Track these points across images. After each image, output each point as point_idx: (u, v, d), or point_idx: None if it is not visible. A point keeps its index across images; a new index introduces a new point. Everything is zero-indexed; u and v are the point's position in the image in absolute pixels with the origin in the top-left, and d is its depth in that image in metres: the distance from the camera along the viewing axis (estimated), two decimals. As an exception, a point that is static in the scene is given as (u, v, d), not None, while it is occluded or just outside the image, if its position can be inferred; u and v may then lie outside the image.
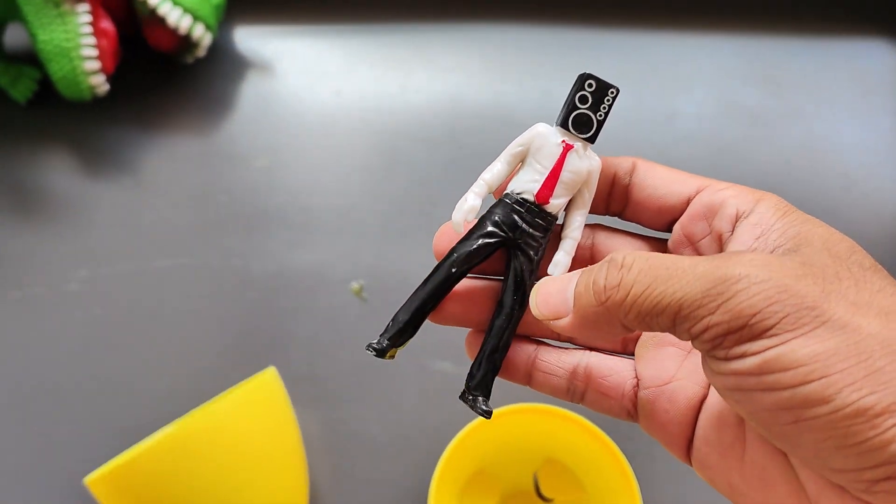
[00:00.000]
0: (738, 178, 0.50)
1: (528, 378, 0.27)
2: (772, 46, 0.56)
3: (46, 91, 0.53)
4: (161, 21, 0.49)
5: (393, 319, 0.26)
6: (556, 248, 0.26)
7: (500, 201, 0.26)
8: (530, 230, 0.25)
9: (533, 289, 0.24)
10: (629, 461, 0.38)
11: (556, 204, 0.25)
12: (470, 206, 0.25)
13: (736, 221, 0.24)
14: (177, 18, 0.49)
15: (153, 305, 0.47)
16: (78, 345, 0.46)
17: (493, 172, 0.26)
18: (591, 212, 0.26)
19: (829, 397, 0.18)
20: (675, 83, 0.55)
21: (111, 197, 0.51)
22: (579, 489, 0.41)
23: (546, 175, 0.25)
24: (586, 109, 0.25)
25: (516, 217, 0.25)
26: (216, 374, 0.45)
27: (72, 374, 0.45)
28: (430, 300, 0.26)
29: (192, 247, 0.49)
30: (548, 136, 0.25)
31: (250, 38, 0.56)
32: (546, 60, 0.55)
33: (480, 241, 0.25)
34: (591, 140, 0.25)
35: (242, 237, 0.49)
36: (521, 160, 0.26)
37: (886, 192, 0.52)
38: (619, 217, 0.27)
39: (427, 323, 0.44)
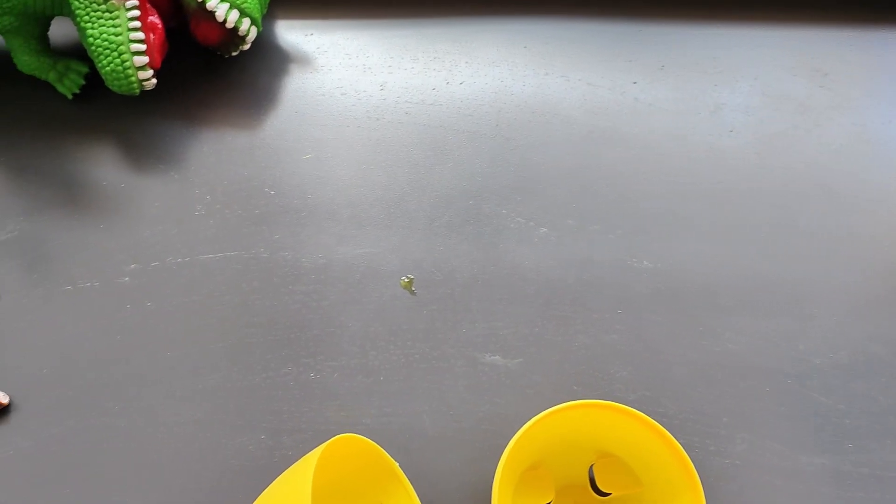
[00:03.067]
0: (785, 169, 0.50)
1: None
2: (820, 37, 0.55)
3: (93, 85, 0.53)
4: (209, 15, 0.50)
5: None
6: None
7: None
8: None
9: None
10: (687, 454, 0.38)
11: None
12: None
13: None
14: (225, 12, 0.49)
15: (203, 298, 0.47)
16: (130, 337, 0.46)
17: None
18: None
19: None
20: (720, 75, 0.54)
21: (159, 191, 0.51)
22: (636, 483, 0.41)
23: None
24: None
25: None
26: (267, 366, 0.45)
27: (124, 367, 0.46)
28: None
29: (241, 240, 0.49)
30: None
31: (293, 32, 0.56)
32: (590, 53, 0.55)
33: None
34: None
35: (291, 231, 0.49)
36: None
37: (936, 183, 0.52)
38: None
39: (475, 319, 0.45)
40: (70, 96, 0.53)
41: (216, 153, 0.52)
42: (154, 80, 0.50)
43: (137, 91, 0.49)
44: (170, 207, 0.50)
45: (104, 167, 0.52)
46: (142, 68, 0.49)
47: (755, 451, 0.43)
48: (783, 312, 0.47)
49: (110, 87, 0.50)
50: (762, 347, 0.46)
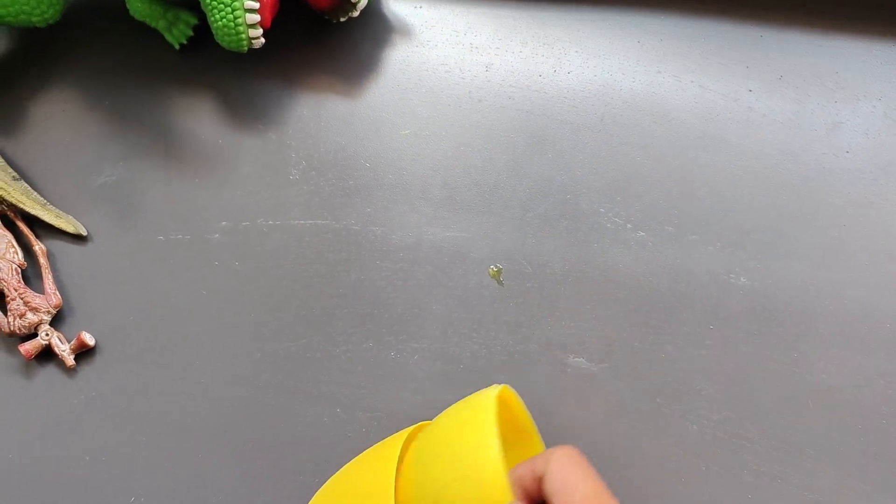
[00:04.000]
0: (900, 198, 0.47)
1: None
2: (955, 62, 0.52)
3: (201, 38, 0.53)
4: (325, -21, 0.49)
5: None
6: None
7: None
8: None
9: None
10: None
11: None
12: None
13: None
14: (340, -23, 0.48)
15: (291, 264, 0.47)
16: (216, 294, 0.47)
17: None
18: None
19: None
20: (841, 91, 0.52)
21: (256, 150, 0.51)
22: None
23: None
24: None
25: None
26: (348, 339, 0.45)
27: (208, 323, 0.46)
28: None
29: (332, 209, 0.49)
30: None
31: (402, 4, 0.55)
32: (705, 54, 0.53)
33: None
34: None
35: (384, 205, 0.49)
36: None
37: None
38: None
39: (562, 317, 0.44)
40: (177, 46, 0.53)
41: (315, 119, 0.51)
42: (263, 40, 0.49)
43: (246, 48, 0.49)
44: (264, 169, 0.50)
45: (204, 121, 0.52)
46: (252, 26, 0.48)
47: (839, 488, 0.42)
48: (883, 348, 0.45)
49: (219, 42, 0.49)
50: (857, 382, 0.44)
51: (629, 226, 0.47)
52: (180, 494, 0.42)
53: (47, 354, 0.46)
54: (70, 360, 0.45)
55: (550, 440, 0.43)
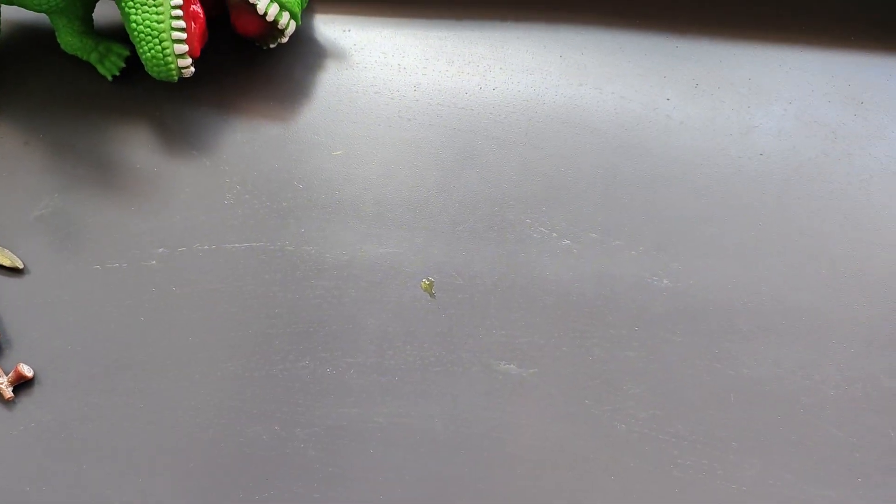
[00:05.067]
0: (812, 197, 0.50)
1: None
2: (859, 64, 0.55)
3: (133, 68, 0.54)
4: (250, 7, 0.50)
5: None
6: None
7: None
8: None
9: None
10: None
11: None
12: None
13: None
14: (265, 5, 0.50)
15: (227, 287, 0.48)
16: (154, 320, 0.47)
17: None
18: None
19: None
20: (754, 96, 0.54)
21: (190, 177, 0.52)
22: None
23: None
24: None
25: None
26: (285, 358, 0.46)
27: (147, 349, 0.47)
28: None
29: (267, 231, 0.50)
30: None
31: (331, 27, 0.57)
32: (625, 66, 0.55)
33: None
34: None
35: (317, 225, 0.50)
36: None
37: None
38: None
39: (492, 326, 0.45)
40: (110, 78, 0.54)
41: (248, 143, 0.53)
42: (192, 69, 0.50)
43: (175, 78, 0.50)
44: (200, 194, 0.51)
45: (139, 150, 0.53)
46: (181, 56, 0.49)
47: (764, 479, 0.44)
48: (801, 341, 0.47)
49: (150, 73, 0.50)
50: (777, 374, 0.46)
51: (555, 234, 0.49)
52: (123, 519, 0.43)
53: None
54: (8, 392, 0.45)
55: (481, 446, 0.44)
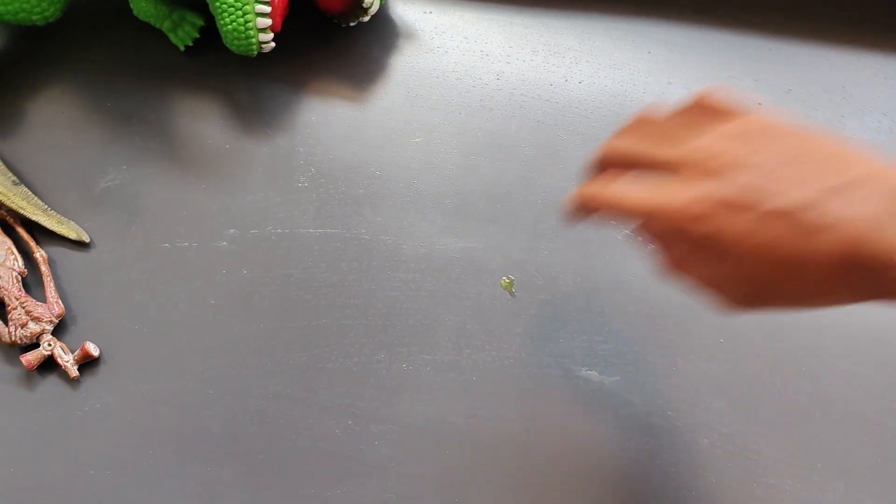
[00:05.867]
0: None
1: None
2: (960, 79, 0.53)
3: (206, 38, 0.52)
4: (337, -17, 0.48)
5: None
6: None
7: None
8: None
9: None
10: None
11: None
12: None
13: None
14: (355, -18, 0.48)
15: (300, 273, 0.47)
16: (224, 303, 0.46)
17: None
18: None
19: None
20: (847, 105, 0.52)
21: (263, 156, 0.50)
22: None
23: None
24: None
25: None
26: (360, 350, 0.45)
27: (216, 333, 0.45)
28: None
29: (342, 218, 0.48)
30: None
31: (412, 8, 0.55)
32: (715, 67, 0.53)
33: None
34: None
35: (394, 214, 0.48)
36: None
37: None
38: None
39: (574, 330, 0.44)
40: (182, 48, 0.52)
41: (324, 125, 0.51)
42: (273, 44, 0.49)
43: (255, 52, 0.48)
44: (273, 175, 0.49)
45: (210, 125, 0.51)
46: (263, 30, 0.47)
47: (846, 502, 0.42)
48: (891, 363, 0.45)
49: (228, 46, 0.48)
50: (864, 395, 0.44)
51: (640, 238, 0.47)
52: (189, 508, 0.42)
53: (50, 365, 0.45)
54: (74, 370, 0.44)
55: (559, 454, 0.43)
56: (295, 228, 0.48)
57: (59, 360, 0.44)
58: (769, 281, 0.29)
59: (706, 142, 0.31)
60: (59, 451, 0.43)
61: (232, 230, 0.48)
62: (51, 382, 0.44)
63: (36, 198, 0.47)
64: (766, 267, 0.28)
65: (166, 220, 0.48)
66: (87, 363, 0.44)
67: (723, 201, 0.28)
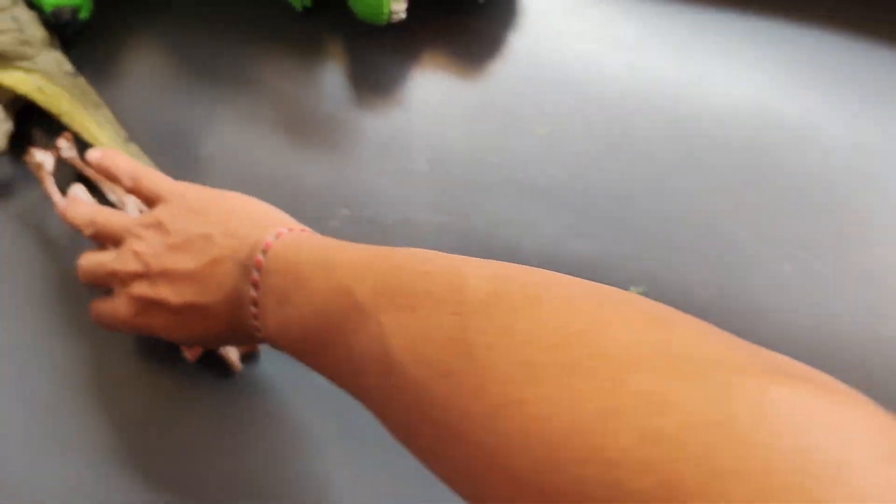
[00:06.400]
0: None
1: None
2: None
3: (323, 2, 0.49)
4: (481, -45, 0.45)
5: None
6: None
7: None
8: None
9: None
10: None
11: None
12: None
13: None
14: (498, -45, 0.44)
15: (415, 263, 0.44)
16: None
17: None
18: None
19: None
20: None
21: (380, 133, 0.47)
22: None
23: None
24: None
25: None
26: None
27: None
28: None
29: (458, 206, 0.45)
30: None
31: (543, -13, 0.51)
32: (862, 81, 0.49)
33: None
34: None
35: (515, 208, 0.45)
36: None
37: None
38: None
39: None
40: (300, 8, 0.49)
41: (445, 105, 0.48)
42: (404, 14, 0.45)
43: (385, 21, 0.45)
44: (387, 153, 0.46)
45: (322, 93, 0.48)
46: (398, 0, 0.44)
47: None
48: None
49: (355, 12, 0.45)
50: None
51: (776, 258, 0.44)
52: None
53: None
54: (237, 363, 0.41)
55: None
56: (409, 214, 0.45)
57: (221, 351, 0.41)
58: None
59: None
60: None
61: (344, 210, 0.45)
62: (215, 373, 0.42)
63: (146, 157, 0.44)
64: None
65: (273, 191, 0.45)
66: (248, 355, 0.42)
67: (123, 274, 0.35)
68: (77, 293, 0.42)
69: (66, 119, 0.42)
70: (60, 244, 0.43)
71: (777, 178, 0.47)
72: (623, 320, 0.20)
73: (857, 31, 0.50)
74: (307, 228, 0.34)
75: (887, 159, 0.47)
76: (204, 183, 0.45)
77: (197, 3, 0.50)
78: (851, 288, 0.44)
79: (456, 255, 0.26)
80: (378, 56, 0.49)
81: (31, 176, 0.45)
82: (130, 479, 0.39)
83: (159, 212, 0.35)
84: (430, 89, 0.48)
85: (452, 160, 0.46)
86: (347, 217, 0.45)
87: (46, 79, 0.42)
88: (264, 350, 0.42)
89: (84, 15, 0.46)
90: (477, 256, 0.44)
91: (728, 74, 0.49)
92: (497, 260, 0.44)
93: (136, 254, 0.35)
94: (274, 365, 0.42)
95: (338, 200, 0.45)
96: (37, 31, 0.42)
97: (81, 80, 0.44)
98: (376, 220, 0.45)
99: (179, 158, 0.46)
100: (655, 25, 0.50)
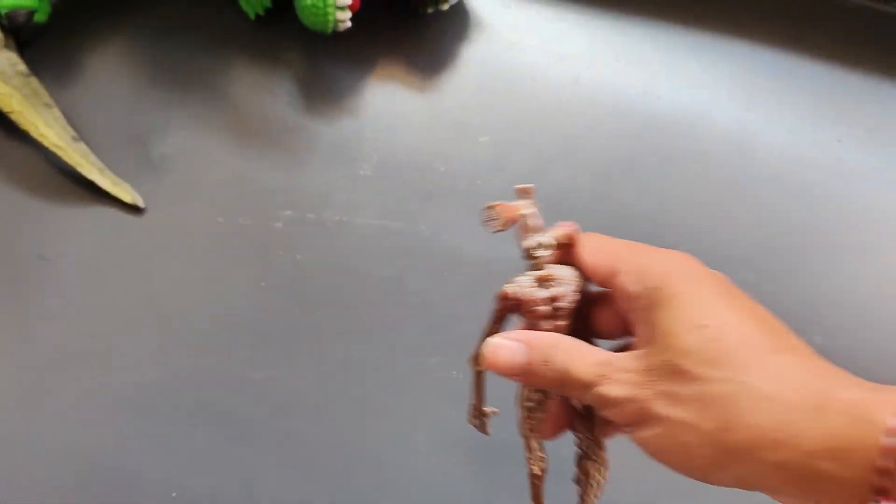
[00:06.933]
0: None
1: None
2: None
3: (278, 9, 0.50)
4: (425, -33, 0.46)
5: None
6: None
7: None
8: None
9: None
10: None
11: None
12: None
13: None
14: (442, -32, 0.46)
15: (357, 264, 0.45)
16: (276, 286, 0.44)
17: None
18: None
19: None
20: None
21: (327, 138, 0.48)
22: None
23: None
24: None
25: None
26: (416, 353, 0.43)
27: (269, 318, 0.44)
28: None
29: (402, 210, 0.46)
30: None
31: (492, 2, 0.53)
32: (797, 96, 0.51)
33: None
34: None
35: (458, 213, 0.46)
36: None
37: None
38: None
39: None
40: (253, 16, 0.50)
41: (391, 112, 0.49)
42: (349, 23, 0.47)
43: (330, 30, 0.46)
44: (335, 158, 0.48)
45: (274, 99, 0.49)
46: (342, 8, 0.45)
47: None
48: None
49: (302, 20, 0.47)
50: None
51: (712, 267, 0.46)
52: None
53: None
54: None
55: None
56: (353, 217, 0.46)
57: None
58: None
59: None
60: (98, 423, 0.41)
61: (288, 211, 0.46)
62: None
63: (93, 156, 0.45)
64: None
65: (222, 192, 0.46)
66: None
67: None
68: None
69: (15, 117, 0.44)
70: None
71: (716, 190, 0.48)
72: None
73: (793, 48, 0.52)
74: None
75: (819, 170, 0.49)
76: (158, 182, 0.46)
77: (154, 8, 0.51)
78: (775, 301, 0.45)
79: None
80: (330, 64, 0.50)
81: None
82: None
83: None
84: (381, 98, 0.50)
85: (398, 166, 0.48)
86: (290, 218, 0.46)
87: (-1, 78, 0.43)
88: (144, 329, 0.43)
89: (40, 18, 0.47)
90: (416, 260, 0.45)
91: (670, 87, 0.51)
92: (438, 264, 0.45)
93: None
94: (153, 344, 0.42)
95: (284, 202, 0.46)
96: (-9, 32, 0.44)
97: (34, 81, 0.45)
98: (319, 221, 0.46)
99: (131, 158, 0.47)
100: (602, 40, 0.52)
